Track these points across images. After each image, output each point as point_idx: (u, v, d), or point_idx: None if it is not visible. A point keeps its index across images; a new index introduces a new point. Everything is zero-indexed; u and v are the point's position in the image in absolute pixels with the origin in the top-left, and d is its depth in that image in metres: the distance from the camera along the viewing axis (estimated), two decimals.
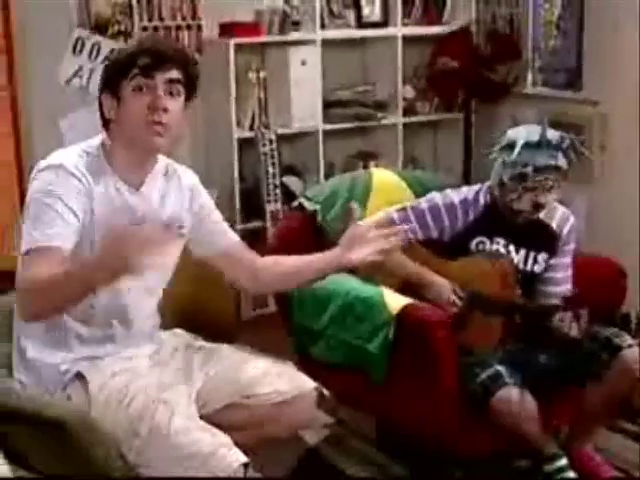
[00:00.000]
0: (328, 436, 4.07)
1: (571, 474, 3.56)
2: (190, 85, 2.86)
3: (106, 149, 2.85)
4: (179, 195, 3.00)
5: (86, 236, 2.75)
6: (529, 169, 3.59)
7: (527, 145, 3.61)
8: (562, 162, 3.60)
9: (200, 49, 5.68)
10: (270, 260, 3.17)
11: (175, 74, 2.79)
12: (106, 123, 2.84)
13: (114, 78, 2.79)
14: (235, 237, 3.19)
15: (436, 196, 3.83)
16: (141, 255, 2.36)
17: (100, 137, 2.88)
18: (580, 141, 3.71)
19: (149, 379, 2.83)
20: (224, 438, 2.65)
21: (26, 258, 2.63)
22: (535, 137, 3.60)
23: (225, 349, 3.09)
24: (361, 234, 2.89)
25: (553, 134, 3.63)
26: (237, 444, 2.67)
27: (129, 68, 2.76)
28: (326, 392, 3.77)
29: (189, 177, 3.07)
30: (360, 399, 3.98)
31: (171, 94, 2.79)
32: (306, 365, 3.16)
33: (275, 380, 2.95)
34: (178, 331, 3.15)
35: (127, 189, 2.85)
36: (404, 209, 3.81)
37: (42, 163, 2.77)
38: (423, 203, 3.83)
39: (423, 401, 3.62)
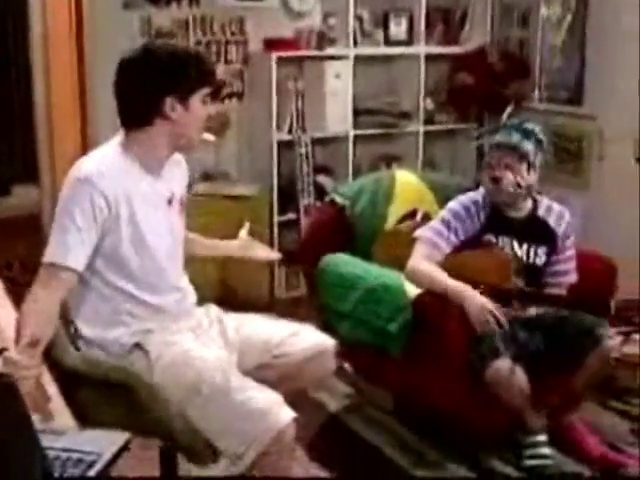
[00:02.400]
0: (348, 405, 4.16)
1: (545, 450, 3.56)
2: None
3: (130, 146, 2.80)
4: (181, 175, 3.01)
5: (134, 234, 2.79)
6: (486, 146, 3.72)
7: (492, 130, 3.81)
8: (517, 140, 3.60)
9: (246, 61, 5.73)
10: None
11: None
12: (149, 118, 2.76)
13: (188, 86, 2.75)
14: None
15: (453, 204, 3.80)
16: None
17: (119, 137, 2.84)
18: (540, 130, 3.71)
19: (201, 348, 2.83)
20: (275, 395, 2.65)
21: (42, 270, 2.66)
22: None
23: (252, 317, 3.11)
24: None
25: (525, 123, 3.73)
26: None
27: (204, 83, 2.78)
28: (347, 366, 3.83)
29: (183, 159, 3.05)
30: (379, 374, 4.00)
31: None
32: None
33: (299, 339, 2.98)
34: (210, 306, 3.12)
35: (152, 177, 2.83)
36: (432, 226, 3.78)
37: (72, 171, 2.75)
38: (446, 214, 3.78)
39: (436, 377, 3.61)
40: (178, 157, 3.00)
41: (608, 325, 3.61)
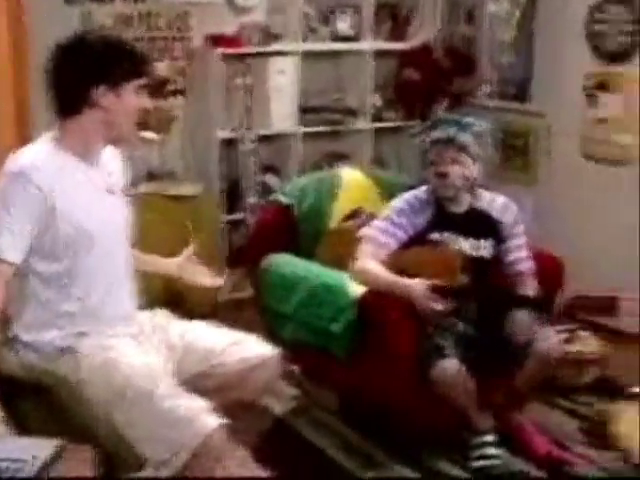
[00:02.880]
0: (294, 407, 4.09)
1: (492, 450, 3.56)
2: None
3: (63, 137, 2.82)
4: (119, 170, 3.03)
5: (72, 226, 2.76)
6: (427, 143, 3.68)
7: (430, 126, 3.72)
8: (454, 134, 3.62)
9: (190, 57, 5.64)
10: None
11: None
12: (80, 105, 2.78)
13: (119, 74, 2.77)
14: None
15: (397, 202, 3.79)
16: None
17: (52, 132, 2.85)
18: (479, 123, 3.73)
19: (133, 353, 2.80)
20: (203, 403, 2.65)
21: None
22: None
23: (198, 324, 3.10)
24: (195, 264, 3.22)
25: (463, 117, 3.76)
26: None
27: (137, 74, 2.80)
28: (293, 368, 3.88)
29: (119, 155, 3.06)
30: (325, 375, 4.00)
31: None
32: (276, 345, 3.11)
33: (240, 349, 2.98)
34: (158, 311, 3.12)
35: (86, 166, 2.84)
36: (376, 224, 3.76)
37: (7, 165, 2.75)
38: (390, 211, 3.77)
39: (381, 377, 3.59)
40: (114, 152, 3.01)
41: (545, 324, 3.63)
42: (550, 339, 3.62)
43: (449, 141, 3.64)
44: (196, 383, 2.82)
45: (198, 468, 2.60)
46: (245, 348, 2.99)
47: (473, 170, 3.67)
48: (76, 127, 2.80)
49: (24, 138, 5.12)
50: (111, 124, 2.80)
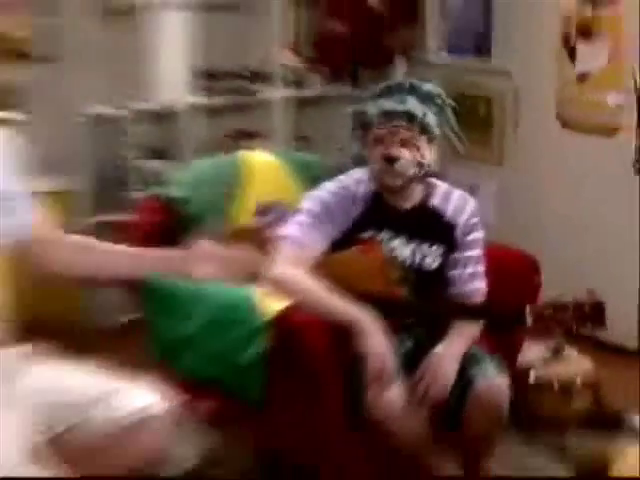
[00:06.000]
0: (193, 469, 3.89)
1: None
2: None
3: None
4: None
5: None
6: (374, 115, 3.53)
7: (378, 94, 3.58)
8: (414, 107, 3.50)
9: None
10: (78, 240, 3.07)
11: None
12: None
13: None
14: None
15: (320, 192, 3.67)
16: None
17: None
18: (442, 93, 3.64)
19: None
20: None
21: None
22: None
23: (61, 367, 2.84)
24: (210, 252, 2.97)
25: (423, 83, 3.60)
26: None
27: None
28: (192, 415, 3.55)
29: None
30: (235, 423, 3.85)
31: None
32: (170, 382, 2.93)
33: (111, 402, 2.72)
34: (6, 351, 2.80)
35: None
36: (296, 221, 3.63)
37: None
38: (312, 204, 3.63)
39: (305, 427, 3.46)
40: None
41: (492, 359, 3.52)
42: (492, 380, 3.44)
43: (407, 116, 3.47)
44: (62, 446, 2.62)
45: None
46: (118, 400, 2.72)
47: (429, 154, 3.53)
48: None
49: None
50: None
